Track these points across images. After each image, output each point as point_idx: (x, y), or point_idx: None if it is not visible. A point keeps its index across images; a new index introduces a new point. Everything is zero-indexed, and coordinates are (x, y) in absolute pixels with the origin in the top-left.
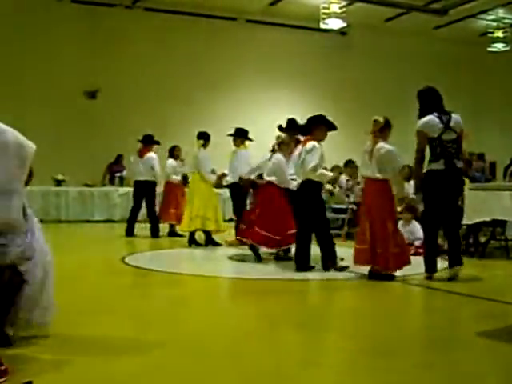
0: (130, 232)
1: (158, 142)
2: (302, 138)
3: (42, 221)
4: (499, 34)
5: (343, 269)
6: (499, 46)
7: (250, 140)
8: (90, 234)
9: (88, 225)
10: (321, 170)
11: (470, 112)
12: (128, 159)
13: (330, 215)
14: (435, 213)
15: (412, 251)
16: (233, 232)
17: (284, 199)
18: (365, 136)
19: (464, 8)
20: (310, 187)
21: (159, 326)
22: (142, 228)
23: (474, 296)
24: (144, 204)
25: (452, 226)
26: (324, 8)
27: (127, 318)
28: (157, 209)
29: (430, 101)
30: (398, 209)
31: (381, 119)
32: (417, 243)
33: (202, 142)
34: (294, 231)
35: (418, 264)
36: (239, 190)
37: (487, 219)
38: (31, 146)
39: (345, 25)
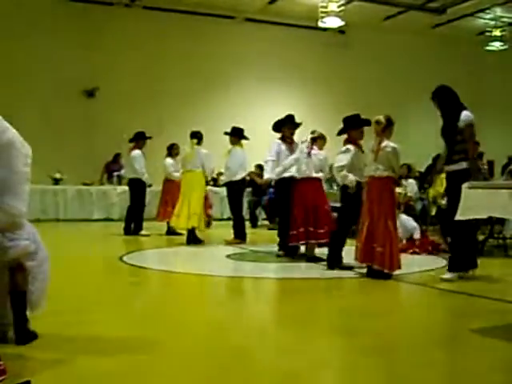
0: (127, 230)
1: (146, 137)
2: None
3: (39, 220)
4: (497, 32)
5: (349, 268)
6: (497, 45)
7: (246, 139)
8: (88, 232)
9: (86, 223)
10: (344, 172)
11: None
12: (126, 158)
13: None
14: None
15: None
16: (231, 231)
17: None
18: (367, 136)
19: (462, 7)
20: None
21: (158, 325)
22: (144, 227)
23: (472, 294)
24: (146, 202)
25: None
26: (322, 7)
27: (125, 316)
28: (155, 208)
29: (456, 96)
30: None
31: (382, 119)
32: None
33: (195, 141)
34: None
35: (416, 263)
36: (235, 188)
37: (484, 217)
38: (28, 146)
39: (343, 23)
